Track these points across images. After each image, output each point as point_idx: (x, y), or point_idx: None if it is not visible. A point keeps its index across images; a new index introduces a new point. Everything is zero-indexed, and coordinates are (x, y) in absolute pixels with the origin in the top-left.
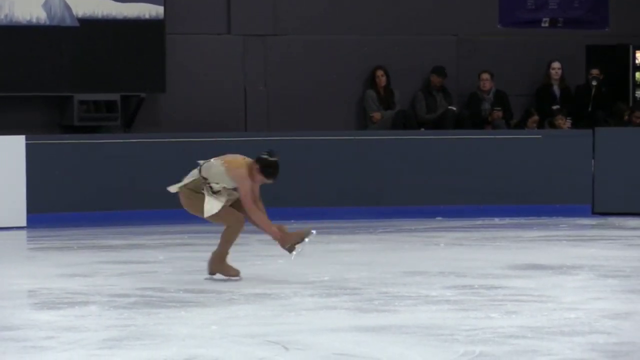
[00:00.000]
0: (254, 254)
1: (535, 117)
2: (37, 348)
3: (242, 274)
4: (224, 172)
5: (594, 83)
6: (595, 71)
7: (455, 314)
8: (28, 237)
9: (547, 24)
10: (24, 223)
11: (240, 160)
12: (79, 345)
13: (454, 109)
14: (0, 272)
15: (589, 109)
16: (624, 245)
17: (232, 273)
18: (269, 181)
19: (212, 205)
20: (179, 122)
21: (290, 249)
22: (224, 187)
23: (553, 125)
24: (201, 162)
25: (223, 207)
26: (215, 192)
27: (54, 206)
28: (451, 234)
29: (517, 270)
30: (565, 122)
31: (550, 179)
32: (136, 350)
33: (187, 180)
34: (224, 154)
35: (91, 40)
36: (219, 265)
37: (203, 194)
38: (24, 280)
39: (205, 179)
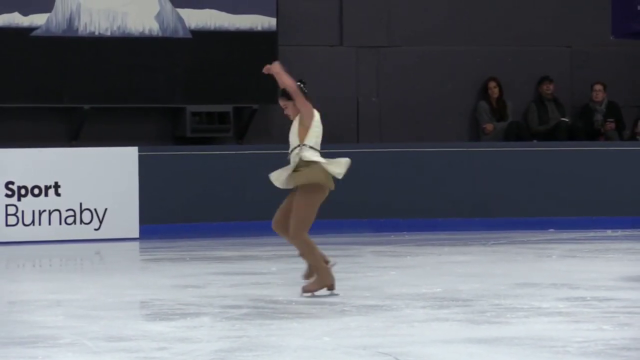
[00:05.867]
0: (366, 265)
1: None
2: (150, 359)
3: (354, 285)
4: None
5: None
6: None
7: (567, 325)
8: (141, 248)
9: None
10: (136, 234)
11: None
12: (191, 356)
13: (567, 120)
14: (114, 283)
15: None
16: None
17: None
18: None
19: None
20: None
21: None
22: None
23: None
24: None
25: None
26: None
27: (166, 217)
28: (563, 245)
29: (629, 282)
30: None
31: None
32: None
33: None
34: None
35: (204, 52)
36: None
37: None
38: (137, 291)
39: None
